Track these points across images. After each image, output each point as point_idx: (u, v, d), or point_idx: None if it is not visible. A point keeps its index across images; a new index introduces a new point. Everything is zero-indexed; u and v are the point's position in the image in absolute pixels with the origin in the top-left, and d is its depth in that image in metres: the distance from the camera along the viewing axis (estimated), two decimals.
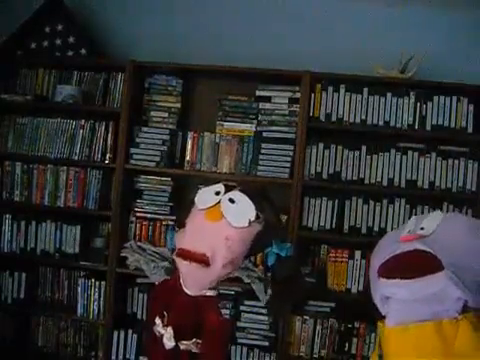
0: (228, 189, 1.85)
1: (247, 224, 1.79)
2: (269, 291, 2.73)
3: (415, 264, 1.49)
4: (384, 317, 1.58)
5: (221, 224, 1.79)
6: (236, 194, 1.83)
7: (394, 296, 1.53)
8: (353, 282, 2.89)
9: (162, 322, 1.87)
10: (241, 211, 1.80)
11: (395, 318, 1.52)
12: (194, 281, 1.84)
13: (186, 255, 1.79)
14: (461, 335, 1.43)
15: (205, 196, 1.87)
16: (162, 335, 1.86)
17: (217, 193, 1.84)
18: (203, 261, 1.76)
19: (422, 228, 1.58)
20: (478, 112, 2.83)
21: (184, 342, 1.83)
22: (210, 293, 1.85)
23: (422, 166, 2.87)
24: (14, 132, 3.08)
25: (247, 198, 1.82)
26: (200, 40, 3.13)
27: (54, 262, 3.09)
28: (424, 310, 1.48)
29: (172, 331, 1.82)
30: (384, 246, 1.66)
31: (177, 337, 1.83)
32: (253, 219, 1.80)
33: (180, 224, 1.98)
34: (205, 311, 1.82)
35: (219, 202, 1.81)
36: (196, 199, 1.89)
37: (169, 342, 1.83)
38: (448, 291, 1.44)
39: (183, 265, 1.81)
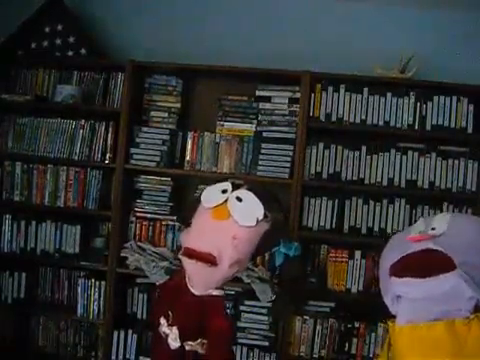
0: (235, 187, 1.83)
1: (255, 223, 1.77)
2: (274, 292, 2.73)
3: (427, 263, 1.50)
4: (392, 316, 1.58)
5: (228, 223, 1.77)
6: (244, 192, 1.81)
7: (406, 295, 1.53)
8: (353, 282, 2.89)
9: (167, 322, 1.85)
10: (249, 210, 1.78)
11: (406, 317, 1.52)
12: (200, 280, 1.82)
13: (192, 254, 1.77)
14: (473, 334, 1.43)
15: (211, 194, 1.85)
16: (167, 335, 1.84)
17: (224, 191, 1.82)
18: (209, 260, 1.75)
19: (433, 228, 1.58)
20: (478, 112, 2.83)
21: (190, 342, 1.82)
22: (216, 293, 1.84)
23: (422, 166, 2.87)
24: (14, 132, 3.08)
25: (255, 197, 1.80)
26: (200, 40, 3.13)
27: (54, 262, 3.09)
28: (436, 309, 1.48)
29: (177, 331, 1.81)
30: (394, 246, 1.66)
31: (182, 337, 1.81)
32: (261, 218, 1.78)
33: (184, 222, 1.96)
34: (211, 311, 1.80)
35: (226, 200, 1.79)
36: (202, 197, 1.87)
37: (174, 342, 1.82)
38: (460, 290, 1.44)
39: (189, 264, 1.79)
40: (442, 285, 1.46)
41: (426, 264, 1.50)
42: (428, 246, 1.51)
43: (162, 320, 1.87)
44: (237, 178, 2.04)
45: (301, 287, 2.86)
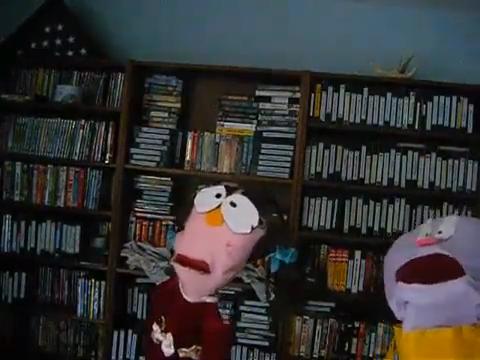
0: (229, 191, 1.78)
1: (249, 230, 1.72)
2: (271, 293, 2.73)
3: (436, 269, 1.48)
4: (393, 317, 1.57)
5: (222, 229, 1.72)
6: (238, 197, 1.76)
7: (413, 301, 1.51)
8: (353, 282, 2.89)
9: (160, 328, 1.82)
10: (243, 216, 1.73)
11: (413, 323, 1.50)
12: (193, 288, 1.79)
13: (185, 261, 1.72)
14: None
15: (205, 198, 1.80)
16: (160, 342, 1.80)
17: (218, 195, 1.77)
18: (202, 268, 1.70)
19: (440, 232, 1.56)
20: (478, 112, 2.83)
21: (184, 349, 1.78)
22: (210, 300, 1.80)
23: (422, 166, 2.87)
24: (14, 132, 3.07)
25: (250, 202, 1.74)
26: (200, 40, 3.13)
27: (54, 262, 3.08)
28: (443, 315, 1.46)
29: (172, 338, 1.77)
30: (401, 249, 1.64)
31: (176, 344, 1.78)
32: (256, 225, 1.74)
33: (180, 226, 1.92)
34: (204, 317, 1.77)
35: (220, 205, 1.75)
36: (195, 201, 1.82)
37: (168, 349, 1.78)
38: (469, 297, 1.43)
39: (182, 271, 1.75)
40: (450, 291, 1.44)
41: (434, 270, 1.48)
42: (436, 251, 1.49)
43: (155, 326, 1.83)
44: (231, 181, 1.98)
45: (300, 288, 2.86)
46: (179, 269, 1.76)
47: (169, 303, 1.83)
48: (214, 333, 1.76)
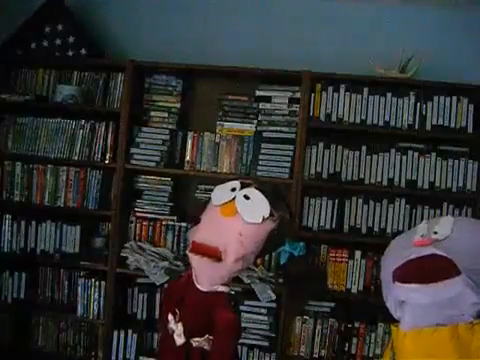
0: (244, 186, 1.88)
1: (260, 220, 1.81)
2: (272, 293, 2.74)
3: (432, 269, 1.50)
4: (393, 318, 1.58)
5: (235, 219, 1.81)
6: (251, 191, 1.85)
7: (410, 300, 1.52)
8: (353, 282, 2.89)
9: (174, 319, 1.89)
10: (255, 207, 1.82)
11: (410, 322, 1.52)
12: (206, 276, 1.86)
13: (198, 249, 1.82)
14: (477, 340, 1.43)
15: (221, 192, 1.91)
16: (173, 331, 1.88)
17: (233, 189, 1.87)
18: (215, 255, 1.79)
19: (435, 232, 1.57)
20: (478, 112, 2.83)
21: (196, 339, 1.85)
22: (222, 289, 1.87)
23: (422, 166, 2.87)
24: (14, 132, 3.08)
25: (262, 195, 1.84)
26: (200, 40, 3.13)
27: (54, 262, 3.08)
28: (439, 314, 1.48)
29: (182, 327, 1.85)
30: (397, 250, 1.65)
31: (189, 334, 1.85)
32: (267, 216, 1.82)
33: (193, 221, 2.00)
34: (216, 307, 1.84)
35: (234, 198, 1.84)
36: (212, 195, 1.92)
37: (179, 338, 1.86)
38: (464, 296, 1.44)
39: (195, 260, 1.84)
40: (447, 291, 1.46)
41: (430, 270, 1.50)
42: (432, 251, 1.51)
43: (170, 316, 1.91)
44: (247, 178, 2.12)
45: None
46: (193, 258, 1.85)
47: (183, 296, 1.91)
48: (226, 323, 1.82)
